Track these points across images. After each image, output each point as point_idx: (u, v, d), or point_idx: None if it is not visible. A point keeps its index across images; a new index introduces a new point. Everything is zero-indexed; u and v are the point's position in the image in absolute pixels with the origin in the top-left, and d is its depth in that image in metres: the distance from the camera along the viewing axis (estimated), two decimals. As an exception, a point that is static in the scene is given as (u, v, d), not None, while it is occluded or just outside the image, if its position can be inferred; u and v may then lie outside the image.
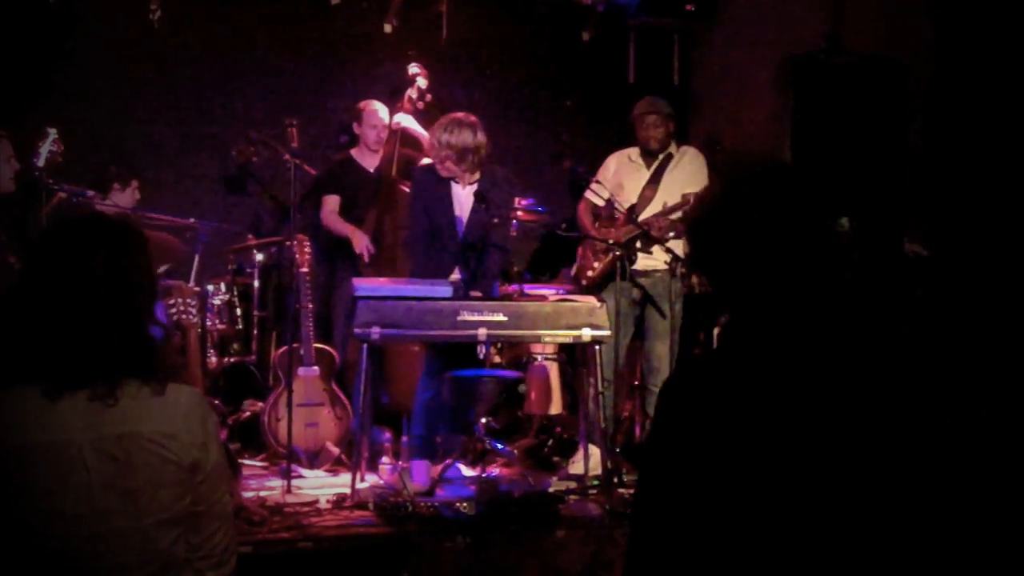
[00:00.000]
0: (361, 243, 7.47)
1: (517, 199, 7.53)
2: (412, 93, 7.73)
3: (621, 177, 7.21)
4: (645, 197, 7.09)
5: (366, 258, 7.44)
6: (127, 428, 2.55)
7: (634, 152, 7.28)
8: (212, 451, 2.70)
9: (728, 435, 2.02)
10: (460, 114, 6.56)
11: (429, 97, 7.77)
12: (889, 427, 2.00)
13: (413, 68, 7.78)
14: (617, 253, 6.72)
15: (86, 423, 2.52)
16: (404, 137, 7.68)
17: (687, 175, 7.10)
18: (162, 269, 7.29)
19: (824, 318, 2.07)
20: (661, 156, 7.18)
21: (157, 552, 2.59)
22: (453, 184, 6.60)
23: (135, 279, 2.67)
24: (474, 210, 6.58)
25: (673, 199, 6.95)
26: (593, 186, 7.05)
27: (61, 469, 2.50)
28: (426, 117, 7.75)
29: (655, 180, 7.13)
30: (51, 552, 2.50)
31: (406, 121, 7.64)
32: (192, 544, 2.67)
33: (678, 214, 6.92)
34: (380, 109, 7.85)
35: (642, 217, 6.94)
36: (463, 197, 6.62)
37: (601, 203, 7.07)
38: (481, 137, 6.50)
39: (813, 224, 2.09)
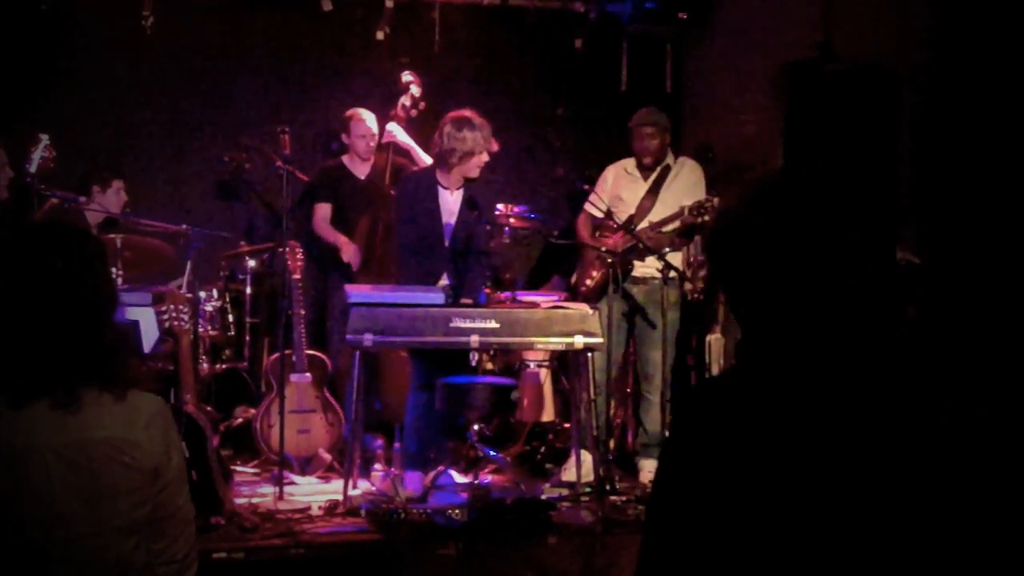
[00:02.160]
0: (349, 254, 7.48)
1: (509, 206, 7.54)
2: (406, 101, 7.74)
3: (619, 189, 7.22)
4: (643, 208, 7.10)
5: (355, 267, 7.46)
6: (89, 435, 2.56)
7: (630, 164, 7.29)
8: (173, 458, 2.71)
9: (747, 457, 2.00)
10: (469, 112, 6.54)
11: (423, 105, 7.78)
12: (908, 448, 1.99)
13: (407, 76, 7.79)
14: (610, 261, 6.72)
15: (49, 429, 2.53)
16: (396, 146, 7.68)
17: (686, 187, 7.10)
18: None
19: (841, 336, 2.06)
20: (659, 168, 7.19)
21: (118, 558, 2.59)
22: (441, 190, 6.61)
23: (93, 286, 2.67)
24: (462, 216, 6.59)
25: (671, 211, 6.96)
26: (592, 198, 7.05)
27: (23, 474, 2.51)
28: (419, 125, 7.76)
29: (653, 192, 7.14)
30: (11, 557, 2.50)
31: (397, 133, 7.65)
32: (153, 550, 2.68)
33: (672, 226, 6.92)
34: (368, 118, 7.84)
35: (642, 224, 6.96)
36: (451, 203, 6.63)
37: (600, 215, 7.06)
38: (490, 140, 6.51)
39: (834, 239, 2.08)
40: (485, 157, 6.55)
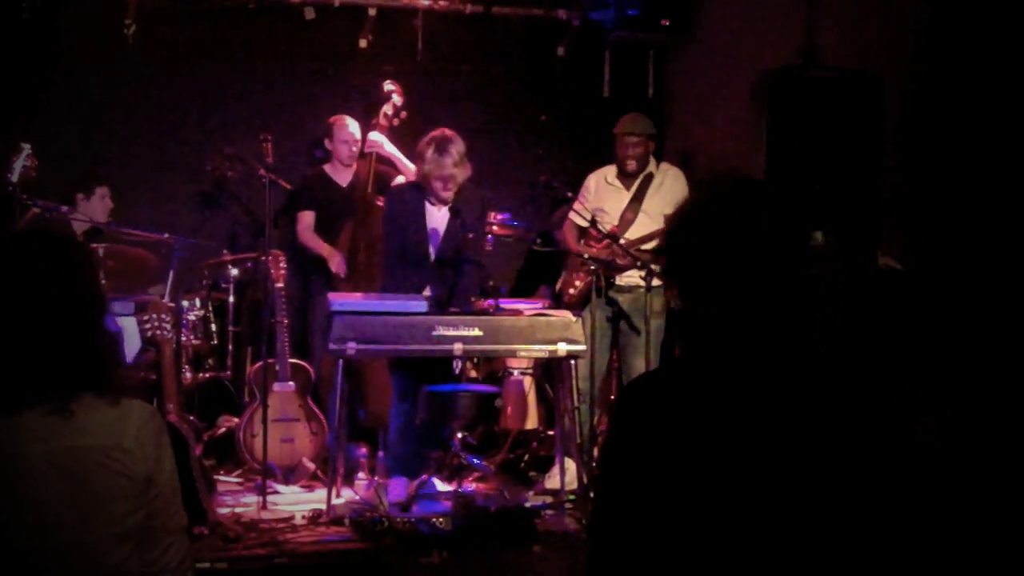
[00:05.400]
0: (335, 263, 7.48)
1: (492, 214, 7.54)
2: (387, 110, 7.74)
3: (601, 200, 7.20)
4: (626, 219, 7.08)
5: (343, 275, 7.46)
6: (80, 442, 2.55)
7: (611, 173, 7.28)
8: (165, 465, 2.70)
9: (680, 445, 2.03)
10: (446, 133, 6.51)
11: (404, 114, 7.78)
12: (837, 438, 2.02)
13: (388, 85, 7.79)
14: (593, 268, 6.72)
15: (40, 436, 2.51)
16: (379, 155, 7.68)
17: (670, 196, 7.07)
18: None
19: (787, 332, 2.08)
20: (641, 176, 7.18)
21: (109, 567, 2.58)
22: (428, 202, 6.59)
23: (84, 292, 2.67)
24: (449, 226, 6.58)
25: (655, 220, 6.94)
26: (576, 206, 7.04)
27: (13, 482, 2.49)
28: (401, 133, 7.76)
29: (637, 200, 7.12)
30: (5, 565, 2.49)
31: (380, 142, 7.65)
32: (146, 559, 2.67)
33: (654, 243, 6.91)
34: (351, 124, 7.85)
35: (623, 239, 6.94)
36: (438, 214, 6.62)
37: (585, 224, 7.05)
38: (464, 156, 6.49)
39: (785, 238, 2.10)
40: (453, 178, 6.50)
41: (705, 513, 2.00)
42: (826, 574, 1.99)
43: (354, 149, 7.84)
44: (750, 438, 2.01)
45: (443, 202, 6.57)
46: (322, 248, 7.63)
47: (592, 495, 2.22)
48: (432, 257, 6.62)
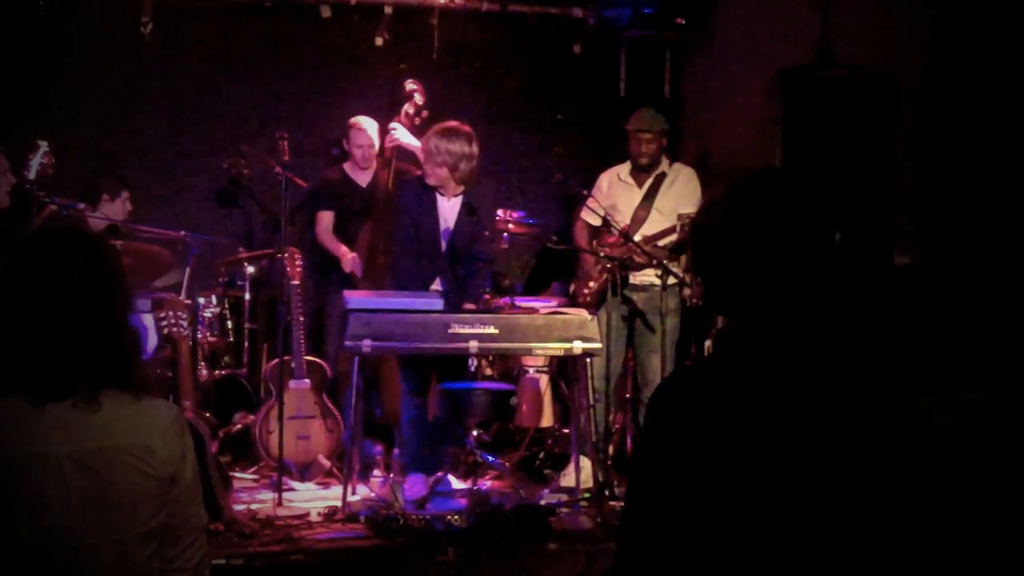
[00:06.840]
0: (349, 264, 7.49)
1: (508, 211, 7.54)
2: (409, 109, 7.71)
3: (614, 197, 7.19)
4: (639, 217, 7.06)
5: (358, 275, 7.46)
6: (106, 442, 2.55)
7: (623, 170, 7.27)
8: (188, 465, 2.71)
9: (716, 444, 2.02)
10: (455, 123, 6.58)
11: (426, 113, 7.76)
12: (874, 440, 2.01)
13: (410, 84, 7.76)
14: (608, 266, 6.72)
15: (66, 436, 2.52)
16: (400, 151, 7.67)
17: (682, 195, 7.07)
18: (160, 283, 7.31)
19: (817, 329, 2.08)
20: (654, 174, 7.17)
21: (134, 565, 2.59)
22: (439, 195, 6.61)
23: (111, 288, 2.68)
24: (460, 221, 6.59)
25: (667, 218, 6.93)
26: (590, 204, 7.03)
27: (40, 482, 2.50)
28: (421, 132, 7.76)
29: (649, 199, 7.11)
30: (29, 564, 2.50)
31: (402, 135, 7.63)
32: (167, 557, 2.68)
33: (667, 239, 6.90)
34: (369, 127, 7.83)
35: (636, 237, 6.92)
36: (448, 208, 6.63)
37: (598, 222, 7.04)
38: (474, 148, 6.52)
39: (815, 233, 2.10)
40: (474, 162, 6.55)
41: (739, 513, 1.99)
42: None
43: (369, 153, 7.83)
44: (786, 437, 2.00)
45: (454, 185, 6.58)
46: (338, 249, 7.63)
47: (624, 496, 2.20)
48: (443, 250, 6.63)
